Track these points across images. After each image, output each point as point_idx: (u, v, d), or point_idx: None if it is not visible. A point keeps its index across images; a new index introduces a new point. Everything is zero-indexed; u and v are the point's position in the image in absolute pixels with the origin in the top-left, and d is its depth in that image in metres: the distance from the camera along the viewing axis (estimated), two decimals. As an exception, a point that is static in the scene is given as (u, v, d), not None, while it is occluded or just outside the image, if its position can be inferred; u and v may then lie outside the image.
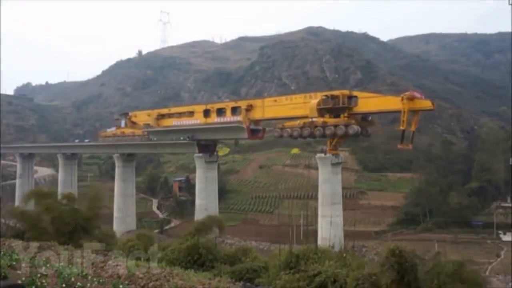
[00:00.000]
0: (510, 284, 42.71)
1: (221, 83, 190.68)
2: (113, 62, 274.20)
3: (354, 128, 46.69)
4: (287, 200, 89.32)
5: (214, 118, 60.67)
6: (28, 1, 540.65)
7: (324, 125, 47.92)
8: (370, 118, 49.81)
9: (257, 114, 56.01)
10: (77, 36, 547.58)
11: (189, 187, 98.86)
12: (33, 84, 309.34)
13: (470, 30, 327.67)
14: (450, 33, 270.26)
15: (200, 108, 64.09)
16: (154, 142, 70.18)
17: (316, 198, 56.58)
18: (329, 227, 42.70)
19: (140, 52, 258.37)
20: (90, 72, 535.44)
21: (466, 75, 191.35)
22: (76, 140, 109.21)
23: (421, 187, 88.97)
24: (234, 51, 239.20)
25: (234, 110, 58.52)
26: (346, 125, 46.93)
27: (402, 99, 42.55)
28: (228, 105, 61.06)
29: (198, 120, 62.64)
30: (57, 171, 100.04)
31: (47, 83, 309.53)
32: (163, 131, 66.92)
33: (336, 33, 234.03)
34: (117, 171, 73.18)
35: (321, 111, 48.47)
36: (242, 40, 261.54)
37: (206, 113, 61.81)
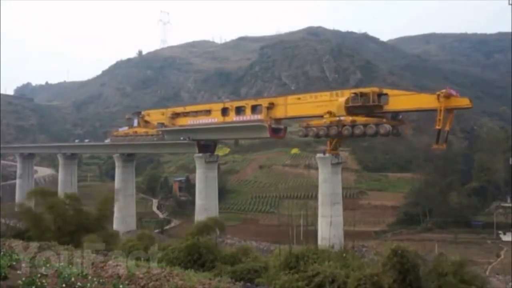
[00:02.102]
0: (510, 284, 42.68)
1: (221, 83, 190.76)
2: (113, 62, 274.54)
3: (386, 127, 44.77)
4: (287, 200, 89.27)
5: (232, 117, 58.48)
6: (28, 1, 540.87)
7: (353, 124, 45.89)
8: (400, 116, 48.00)
9: (279, 113, 53.95)
10: (77, 36, 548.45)
11: (189, 187, 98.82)
12: (33, 84, 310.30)
13: (470, 30, 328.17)
14: (450, 33, 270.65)
15: (217, 107, 61.96)
16: (154, 142, 69.98)
17: (316, 198, 56.51)
18: (329, 227, 42.70)
19: (140, 52, 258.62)
20: (90, 72, 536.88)
21: (466, 75, 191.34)
22: (76, 140, 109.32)
23: (421, 187, 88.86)
24: (234, 51, 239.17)
25: (254, 109, 56.69)
26: (377, 124, 44.98)
27: (438, 97, 40.96)
28: (248, 103, 58.73)
29: (215, 118, 60.42)
30: (57, 171, 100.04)
31: (47, 83, 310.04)
32: (179, 130, 64.62)
33: (336, 33, 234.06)
34: (117, 171, 73.13)
35: (350, 109, 46.46)
36: (242, 40, 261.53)
37: (224, 111, 59.53)
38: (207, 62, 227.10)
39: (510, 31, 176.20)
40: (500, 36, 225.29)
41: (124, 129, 76.41)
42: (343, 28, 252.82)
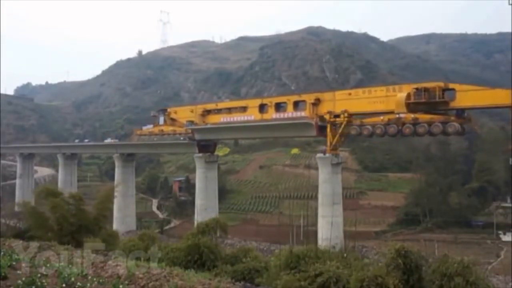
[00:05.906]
0: (510, 284, 42.60)
1: (221, 83, 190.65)
2: (113, 62, 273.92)
3: (455, 126, 41.55)
4: (287, 200, 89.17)
5: (271, 114, 54.33)
6: (27, 1, 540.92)
7: (415, 122, 42.66)
8: (466, 114, 44.50)
9: (326, 109, 49.73)
10: (77, 36, 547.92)
11: (189, 187, 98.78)
12: (33, 84, 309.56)
13: (470, 30, 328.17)
14: (450, 33, 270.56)
15: (254, 103, 57.75)
16: (154, 142, 69.95)
17: (316, 198, 56.39)
18: (329, 227, 42.60)
19: (140, 52, 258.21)
20: (90, 72, 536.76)
21: (466, 75, 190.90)
22: (76, 140, 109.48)
23: (421, 187, 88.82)
24: (234, 51, 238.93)
25: (296, 105, 52.88)
26: (444, 123, 41.72)
27: None
28: (290, 99, 54.56)
29: (252, 116, 56.09)
30: (57, 171, 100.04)
31: (47, 83, 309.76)
32: (211, 128, 60.69)
33: (336, 33, 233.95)
34: (117, 171, 73.15)
35: (410, 106, 42.99)
36: (242, 40, 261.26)
37: (262, 108, 55.53)
38: (207, 62, 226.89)
39: (510, 31, 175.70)
40: (500, 36, 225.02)
41: (149, 127, 72.48)
42: (343, 28, 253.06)
